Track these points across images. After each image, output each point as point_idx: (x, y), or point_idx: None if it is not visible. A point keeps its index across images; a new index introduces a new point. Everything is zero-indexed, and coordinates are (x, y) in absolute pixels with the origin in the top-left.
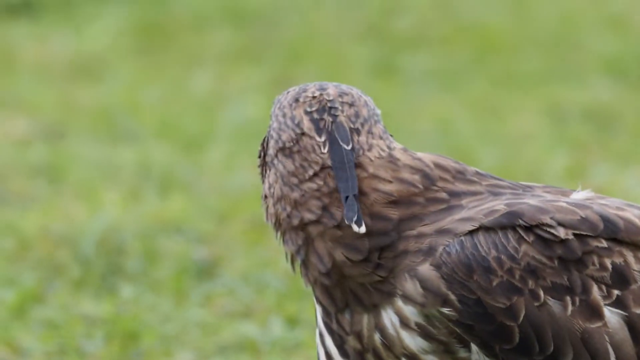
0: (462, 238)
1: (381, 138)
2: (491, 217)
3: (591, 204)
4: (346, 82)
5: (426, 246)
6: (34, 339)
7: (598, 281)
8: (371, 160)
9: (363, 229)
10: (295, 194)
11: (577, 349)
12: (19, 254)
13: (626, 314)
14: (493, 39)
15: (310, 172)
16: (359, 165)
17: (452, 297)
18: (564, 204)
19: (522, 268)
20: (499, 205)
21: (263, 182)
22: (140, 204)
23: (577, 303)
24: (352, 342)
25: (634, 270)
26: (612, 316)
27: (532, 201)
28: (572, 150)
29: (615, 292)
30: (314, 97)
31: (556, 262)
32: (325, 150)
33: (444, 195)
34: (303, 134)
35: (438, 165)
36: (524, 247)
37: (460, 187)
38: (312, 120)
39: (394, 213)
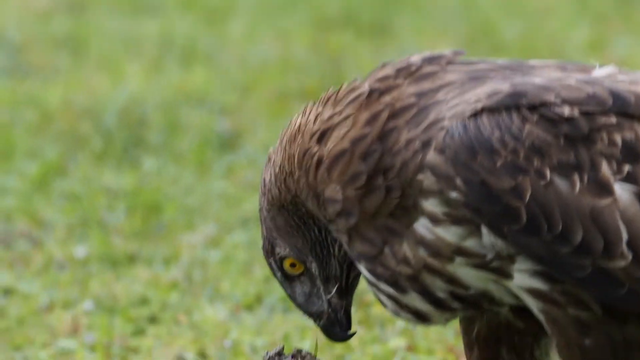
0: (466, 121)
1: None
2: (494, 98)
3: (603, 81)
4: None
5: (420, 144)
6: (56, 211)
7: (607, 157)
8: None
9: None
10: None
11: (587, 227)
12: (42, 126)
13: (638, 188)
14: None
15: None
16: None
17: (458, 180)
18: (572, 82)
19: (527, 147)
20: (503, 86)
21: None
22: (163, 75)
23: (586, 180)
24: (403, 271)
25: None
26: (622, 192)
27: (538, 80)
28: (594, 23)
29: (626, 167)
30: None
31: (562, 140)
32: None
33: (409, 101)
34: None
35: (379, 79)
36: (528, 127)
37: (423, 86)
38: None
39: (367, 130)
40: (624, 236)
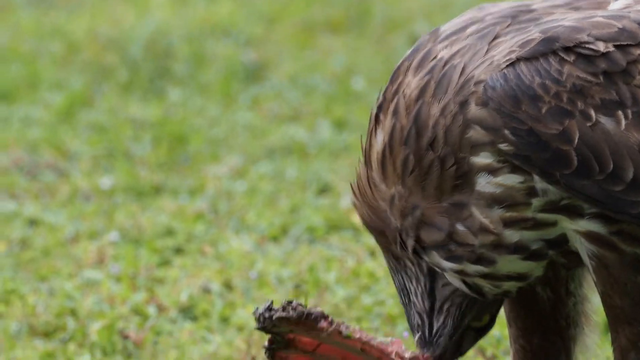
0: (505, 70)
1: None
2: (528, 47)
3: (628, 13)
4: None
5: (456, 106)
6: (82, 142)
7: None
8: None
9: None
10: None
11: (637, 162)
12: (67, 57)
13: None
14: None
15: None
16: None
17: (506, 131)
18: (600, 19)
19: (569, 90)
20: (534, 34)
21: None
22: (189, 6)
23: (630, 116)
24: (485, 241)
25: None
26: None
27: (566, 22)
28: None
29: None
30: None
31: (601, 77)
32: None
33: (422, 82)
34: None
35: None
36: (567, 68)
37: (425, 66)
38: None
39: (394, 121)
40: None
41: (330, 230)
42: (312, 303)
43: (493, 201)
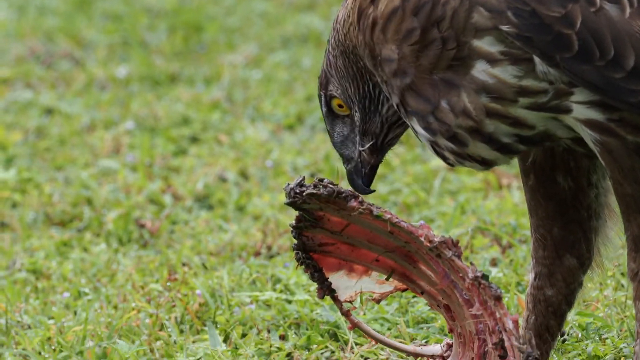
0: None
1: None
2: None
3: None
4: None
5: None
6: (97, 31)
7: None
8: None
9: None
10: None
11: (639, 50)
12: None
13: None
14: None
15: None
16: None
17: (509, 13)
18: None
19: None
20: None
21: None
22: None
23: (635, 4)
24: (463, 124)
25: None
26: None
27: None
28: None
29: None
30: None
31: None
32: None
33: None
34: None
35: None
36: None
37: None
38: None
39: None
40: None
41: None
42: None
43: (483, 89)
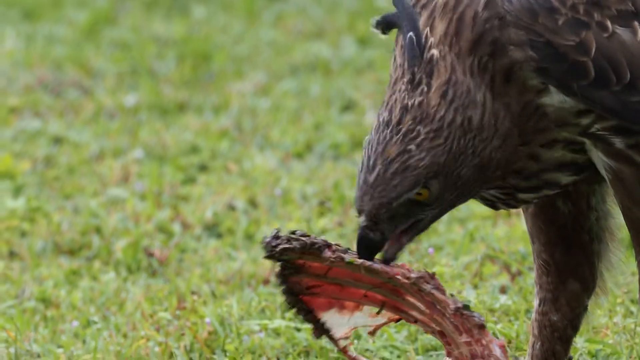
0: None
1: None
2: None
3: None
4: None
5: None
6: (106, 60)
7: None
8: None
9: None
10: None
11: None
12: None
13: None
14: None
15: None
16: None
17: (526, 44)
18: None
19: (586, 2)
20: None
21: None
22: None
23: None
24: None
25: None
26: None
27: None
28: None
29: None
30: None
31: None
32: None
33: None
34: None
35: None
36: None
37: None
38: None
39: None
40: None
41: (355, 147)
42: (336, 220)
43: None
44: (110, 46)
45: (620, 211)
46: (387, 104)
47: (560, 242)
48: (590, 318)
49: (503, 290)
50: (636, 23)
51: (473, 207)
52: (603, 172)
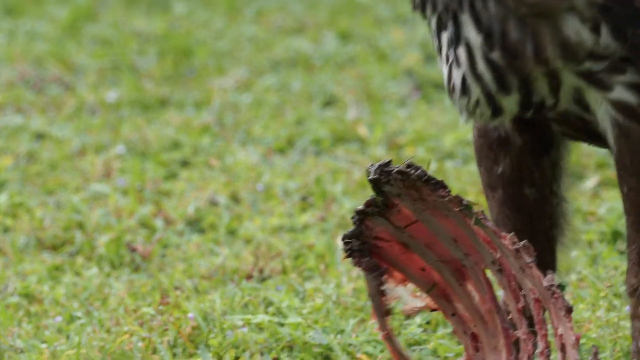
0: None
1: None
2: None
3: None
4: None
5: None
6: (87, 56)
7: None
8: None
9: None
10: None
11: None
12: None
13: None
14: None
15: None
16: None
17: None
18: None
19: None
20: None
21: None
22: None
23: None
24: (535, 68)
25: None
26: None
27: None
28: None
29: None
30: None
31: None
32: None
33: None
34: None
35: None
36: None
37: None
38: None
39: None
40: None
41: (337, 142)
42: (318, 215)
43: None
44: (91, 42)
45: (567, 197)
46: None
47: (526, 229)
48: None
49: None
50: None
51: None
52: (608, 126)
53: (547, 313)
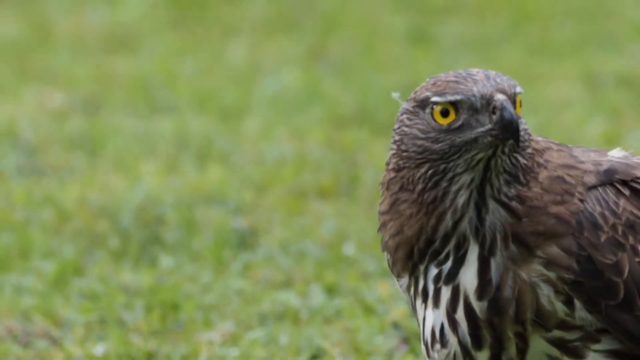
0: None
1: None
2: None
3: None
4: (382, 51)
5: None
6: (74, 310)
7: None
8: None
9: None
10: None
11: None
12: (58, 225)
13: None
14: (528, 8)
15: None
16: None
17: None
18: (638, 160)
19: (623, 224)
20: (590, 165)
21: None
22: (178, 174)
23: None
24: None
25: None
26: None
27: (616, 159)
28: (608, 117)
29: None
30: None
31: None
32: None
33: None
34: None
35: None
36: (622, 202)
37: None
38: None
39: None
40: None
41: None
42: None
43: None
44: (78, 296)
45: None
46: None
47: None
48: None
49: None
50: None
51: None
52: None
53: None
